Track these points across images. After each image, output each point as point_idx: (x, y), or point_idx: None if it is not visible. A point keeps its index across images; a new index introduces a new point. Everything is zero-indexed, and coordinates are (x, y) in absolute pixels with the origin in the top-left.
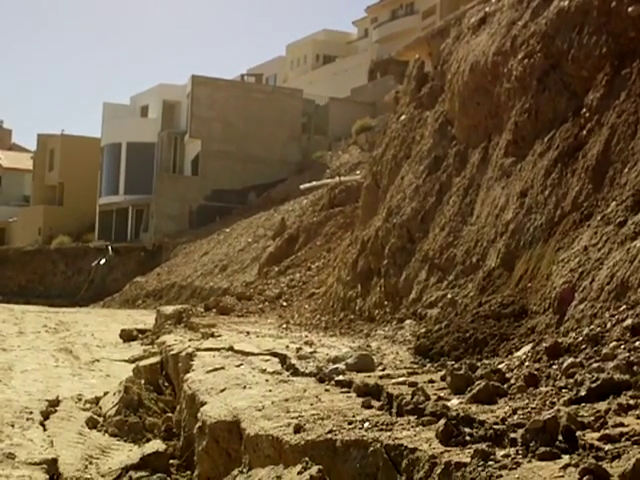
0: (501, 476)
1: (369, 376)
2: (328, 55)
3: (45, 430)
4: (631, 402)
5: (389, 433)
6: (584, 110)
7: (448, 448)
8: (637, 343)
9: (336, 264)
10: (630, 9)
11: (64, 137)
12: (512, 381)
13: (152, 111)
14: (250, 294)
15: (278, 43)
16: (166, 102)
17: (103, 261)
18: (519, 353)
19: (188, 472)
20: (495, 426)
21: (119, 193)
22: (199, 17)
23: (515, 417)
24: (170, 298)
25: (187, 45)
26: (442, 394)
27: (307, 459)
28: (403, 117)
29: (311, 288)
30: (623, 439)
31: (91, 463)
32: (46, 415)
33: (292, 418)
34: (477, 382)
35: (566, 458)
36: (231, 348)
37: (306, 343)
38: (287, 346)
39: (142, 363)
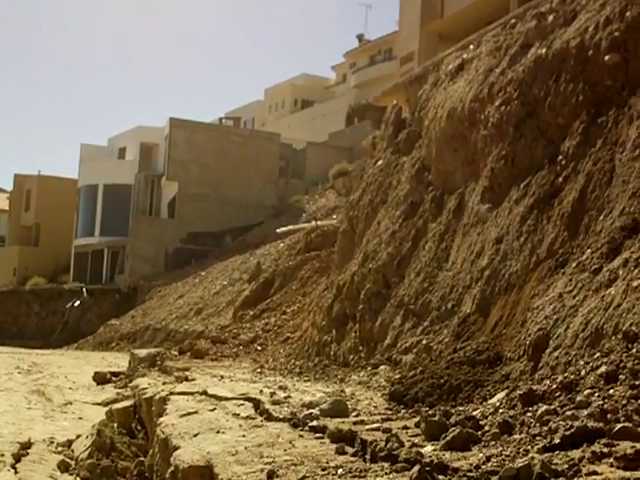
0: None
1: (343, 422)
2: (306, 99)
3: (16, 473)
4: (605, 450)
5: None
6: (560, 157)
7: None
8: (611, 391)
9: (311, 308)
10: (607, 57)
11: (41, 178)
12: (486, 428)
13: (129, 153)
14: (225, 338)
15: (257, 87)
16: (144, 144)
17: (77, 303)
18: (493, 400)
19: None
20: (469, 473)
21: (95, 234)
22: (177, 60)
23: (489, 464)
24: (144, 341)
25: (165, 88)
26: (416, 440)
27: None
28: (380, 162)
29: (286, 332)
30: None
31: None
32: (17, 458)
33: (265, 464)
34: (451, 429)
35: None
36: (205, 392)
37: (280, 388)
38: (261, 391)
39: (115, 406)
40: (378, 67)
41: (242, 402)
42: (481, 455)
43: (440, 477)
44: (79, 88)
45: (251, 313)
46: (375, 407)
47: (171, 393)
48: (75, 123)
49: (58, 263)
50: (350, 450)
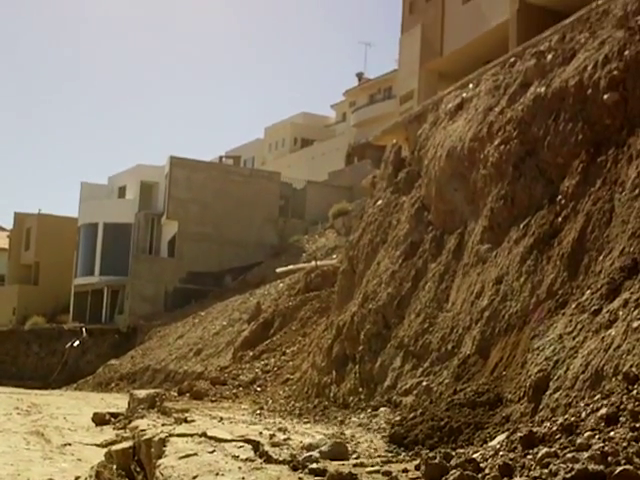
0: None
1: (343, 464)
2: (306, 138)
3: None
4: None
5: None
6: (560, 197)
7: None
8: (612, 433)
9: (311, 349)
10: (606, 96)
11: (41, 216)
12: (487, 471)
13: (130, 192)
14: (224, 379)
15: (257, 126)
16: (144, 183)
17: (77, 343)
18: (494, 442)
19: None
20: None
21: (95, 274)
22: (177, 98)
23: None
24: (144, 382)
25: (166, 126)
26: None
27: None
28: (380, 202)
29: (285, 373)
30: None
31: None
32: None
33: None
34: (451, 472)
35: None
36: (204, 434)
37: (280, 429)
38: (261, 432)
39: (114, 448)
40: (378, 106)
41: (241, 444)
42: None
43: None
44: (79, 127)
45: (251, 354)
46: (375, 449)
47: (170, 434)
48: (75, 162)
49: (58, 302)
50: None
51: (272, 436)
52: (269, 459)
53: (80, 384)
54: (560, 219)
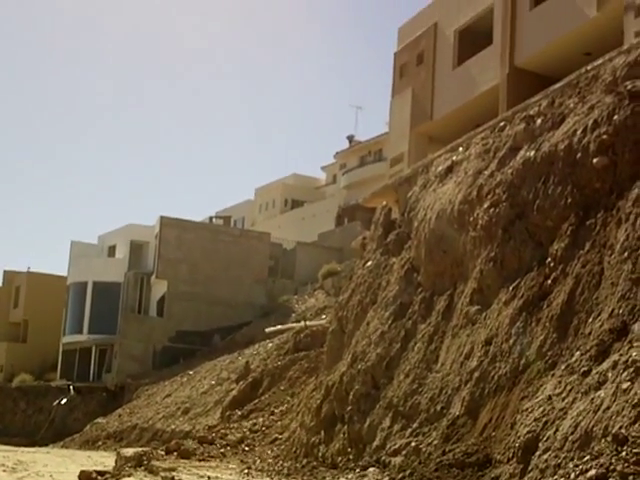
0: None
1: None
2: (296, 199)
3: None
4: None
5: None
6: (549, 260)
7: None
8: None
9: (300, 409)
10: (595, 160)
11: (30, 274)
12: None
13: (119, 251)
14: (212, 438)
15: (247, 186)
16: (134, 242)
17: (64, 401)
18: None
19: None
20: None
21: (83, 332)
22: (168, 158)
23: None
24: (131, 440)
25: (156, 186)
26: None
27: None
28: (369, 263)
29: (274, 433)
30: None
31: None
32: None
33: None
34: None
35: None
36: None
37: None
38: None
39: None
40: (368, 168)
41: None
42: None
43: None
44: (69, 185)
45: (239, 413)
46: None
47: None
48: (65, 220)
49: (46, 360)
50: None
51: None
52: None
53: (67, 442)
54: (549, 281)
